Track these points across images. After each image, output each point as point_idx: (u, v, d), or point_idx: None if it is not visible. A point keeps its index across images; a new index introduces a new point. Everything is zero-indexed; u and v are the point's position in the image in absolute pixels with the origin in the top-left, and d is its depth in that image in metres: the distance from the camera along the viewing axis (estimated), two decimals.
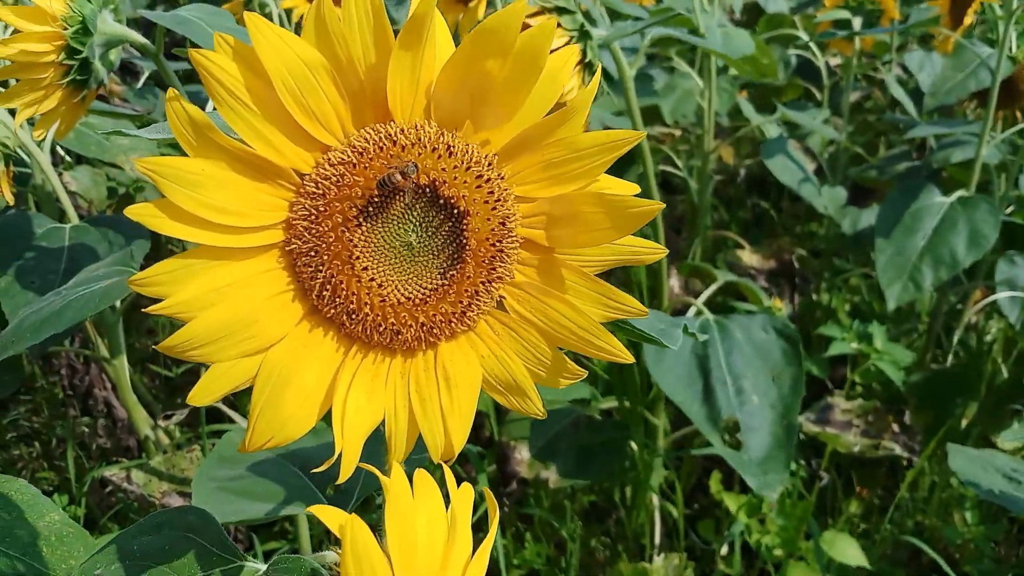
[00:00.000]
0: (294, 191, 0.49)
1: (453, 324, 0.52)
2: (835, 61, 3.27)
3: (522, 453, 1.67)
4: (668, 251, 0.53)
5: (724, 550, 1.74)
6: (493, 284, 0.51)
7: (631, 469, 1.76)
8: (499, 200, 0.50)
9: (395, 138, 0.48)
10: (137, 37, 1.04)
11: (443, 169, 0.49)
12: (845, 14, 2.49)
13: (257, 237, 0.48)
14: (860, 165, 2.66)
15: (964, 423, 1.88)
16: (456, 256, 0.51)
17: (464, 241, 0.50)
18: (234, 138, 0.46)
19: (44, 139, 1.59)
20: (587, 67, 1.42)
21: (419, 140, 0.48)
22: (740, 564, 1.66)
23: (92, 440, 2.04)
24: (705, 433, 1.37)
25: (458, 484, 0.50)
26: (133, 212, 0.44)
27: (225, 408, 1.78)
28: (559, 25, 1.38)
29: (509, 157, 0.51)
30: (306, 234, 0.49)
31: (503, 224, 0.50)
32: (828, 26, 2.60)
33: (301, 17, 2.31)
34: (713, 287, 1.82)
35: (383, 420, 0.51)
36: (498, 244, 0.51)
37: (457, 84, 0.48)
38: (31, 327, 1.06)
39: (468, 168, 0.49)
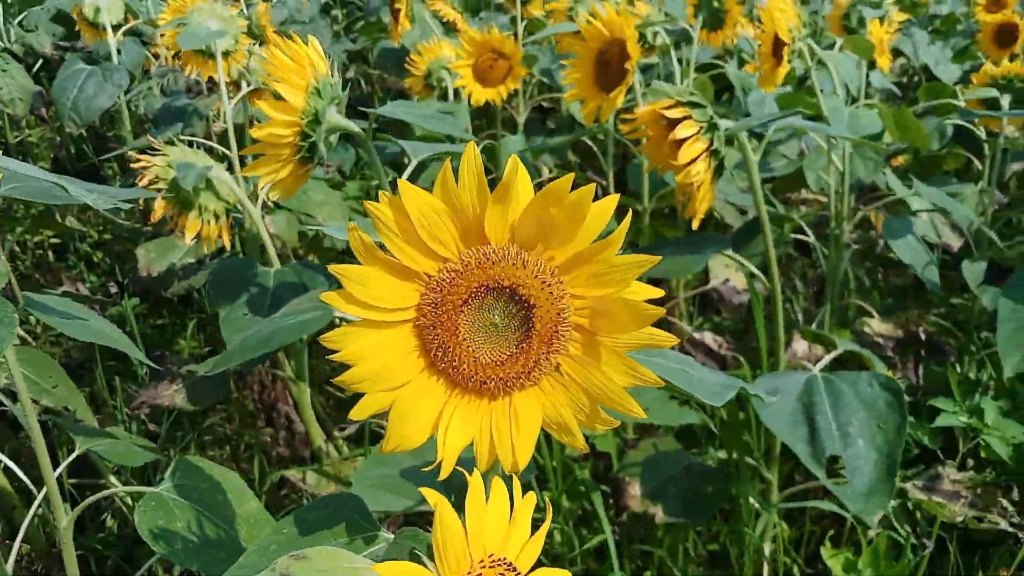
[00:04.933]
0: (423, 286, 0.75)
1: (522, 380, 0.76)
2: (1010, 130, 3.20)
3: (635, 489, 1.86)
4: (678, 340, 0.74)
5: None
6: (551, 355, 0.75)
7: (743, 520, 1.90)
8: (557, 297, 0.74)
9: (488, 256, 0.73)
10: (354, 127, 1.33)
11: (520, 276, 0.73)
12: (994, 92, 2.51)
13: (399, 315, 0.75)
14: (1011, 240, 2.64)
15: None
16: (526, 334, 0.75)
17: (532, 324, 0.74)
18: (386, 253, 0.73)
19: (256, 195, 1.99)
20: (713, 154, 1.63)
21: (505, 257, 0.73)
22: None
23: (272, 448, 2.40)
24: (809, 467, 1.52)
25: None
26: (328, 298, 0.72)
27: (382, 431, 2.09)
28: (690, 117, 1.60)
29: (567, 269, 0.74)
30: (429, 315, 0.75)
31: (559, 314, 0.74)
32: (976, 104, 2.62)
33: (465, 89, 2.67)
34: (831, 355, 1.94)
35: (472, 442, 0.76)
36: (556, 328, 0.74)
37: (532, 221, 0.73)
38: (252, 346, 1.39)
39: (536, 276, 0.73)
